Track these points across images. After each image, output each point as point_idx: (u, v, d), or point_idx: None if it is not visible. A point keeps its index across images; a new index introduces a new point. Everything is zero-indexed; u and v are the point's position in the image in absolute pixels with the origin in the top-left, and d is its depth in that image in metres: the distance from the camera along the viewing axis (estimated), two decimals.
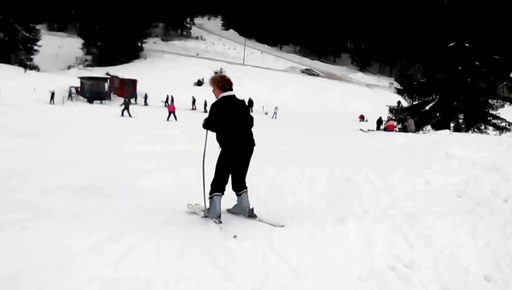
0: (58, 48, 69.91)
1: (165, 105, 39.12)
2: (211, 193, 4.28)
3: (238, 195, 4.47)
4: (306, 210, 5.20)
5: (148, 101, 40.77)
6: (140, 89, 43.09)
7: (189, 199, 5.08)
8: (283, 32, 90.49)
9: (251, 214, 4.47)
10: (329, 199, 5.80)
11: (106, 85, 41.74)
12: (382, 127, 30.42)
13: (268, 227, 4.34)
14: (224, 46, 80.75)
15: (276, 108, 37.20)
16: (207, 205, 4.39)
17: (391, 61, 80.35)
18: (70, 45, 70.63)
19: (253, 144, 4.41)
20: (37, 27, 61.39)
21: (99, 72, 51.10)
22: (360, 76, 73.71)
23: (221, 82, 4.28)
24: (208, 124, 4.22)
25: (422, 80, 22.82)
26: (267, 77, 55.95)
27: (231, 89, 4.30)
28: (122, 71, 52.39)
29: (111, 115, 25.08)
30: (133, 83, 42.94)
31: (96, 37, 67.07)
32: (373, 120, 32.69)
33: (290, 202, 5.62)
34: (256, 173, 6.94)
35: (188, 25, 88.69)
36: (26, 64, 56.26)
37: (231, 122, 4.18)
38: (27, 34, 57.59)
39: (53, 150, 8.87)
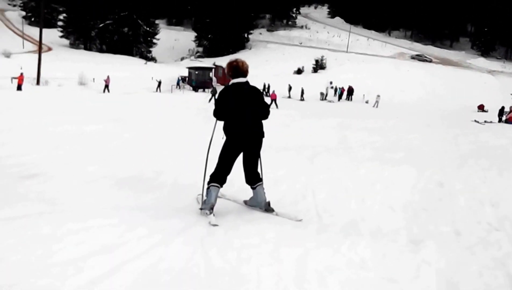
0: (174, 41, 74.53)
1: (266, 94, 38.98)
2: (208, 183, 3.94)
3: (252, 188, 4.11)
4: (368, 224, 3.91)
5: None
6: None
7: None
8: (392, 17, 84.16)
9: (267, 208, 4.10)
10: (408, 210, 4.39)
11: (211, 74, 43.14)
12: (503, 118, 26.30)
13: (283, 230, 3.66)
14: (328, 34, 78.02)
15: (378, 96, 34.25)
16: (204, 197, 4.04)
17: None
18: (185, 38, 74.72)
19: (260, 136, 3.98)
20: (157, 22, 66.39)
21: (207, 62, 53.07)
22: (481, 61, 64.99)
23: (230, 70, 3.93)
24: (214, 112, 3.91)
25: None
26: (371, 64, 52.23)
27: (243, 76, 3.90)
28: (227, 61, 53.59)
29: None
30: None
31: (207, 30, 70.01)
32: (495, 111, 28.28)
33: (351, 211, 4.32)
34: (321, 170, 5.78)
35: (293, 15, 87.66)
36: (146, 56, 61.17)
37: (235, 111, 3.83)
38: (148, 29, 62.43)
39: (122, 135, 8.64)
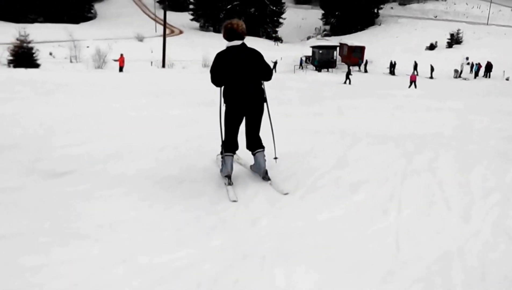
0: (301, 20, 73.84)
1: (391, 72, 36.71)
2: (221, 153, 3.90)
3: (252, 154, 3.97)
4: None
5: (368, 68, 39.04)
6: (369, 56, 41.52)
7: None
8: None
9: (264, 176, 3.92)
10: None
11: (335, 53, 41.93)
12: None
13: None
14: (467, 5, 68.51)
15: None
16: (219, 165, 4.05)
17: None
18: (313, 16, 73.10)
19: (260, 100, 3.77)
20: (283, 0, 66.05)
21: (334, 41, 51.65)
22: None
23: (225, 33, 3.72)
24: (211, 79, 3.74)
25: None
26: None
27: (238, 38, 3.66)
28: (354, 39, 51.40)
29: (335, 83, 24.39)
30: (361, 50, 41.54)
31: (335, 7, 67.50)
32: None
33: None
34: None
35: None
36: (272, 36, 61.70)
37: (231, 76, 3.64)
38: (274, 8, 62.82)
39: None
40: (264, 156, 3.92)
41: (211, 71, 3.68)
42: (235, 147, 3.87)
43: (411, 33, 55.68)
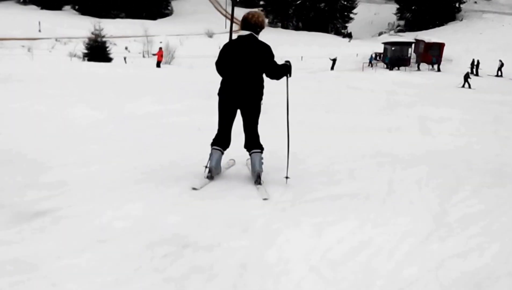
0: (374, 16, 70.15)
1: (472, 73, 32.56)
2: (211, 145, 3.63)
3: (249, 155, 3.65)
4: None
5: (448, 67, 35.02)
6: (448, 54, 37.50)
7: None
8: None
9: (256, 180, 3.53)
10: None
11: (410, 50, 38.37)
12: None
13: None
14: None
15: None
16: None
17: None
18: (386, 11, 69.31)
19: (252, 97, 3.48)
20: None
21: (409, 37, 47.81)
22: None
23: (241, 23, 3.63)
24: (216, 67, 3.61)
25: None
26: None
27: (247, 29, 3.46)
28: (432, 35, 46.99)
29: (412, 85, 18.46)
30: (439, 47, 37.39)
31: (411, 1, 63.01)
32: None
33: None
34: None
35: None
36: (341, 32, 58.97)
37: (227, 67, 3.48)
38: (345, 3, 59.85)
39: None
40: (261, 158, 3.58)
41: (216, 61, 3.55)
42: (224, 142, 3.59)
43: (497, 29, 49.97)
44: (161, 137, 5.10)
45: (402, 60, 36.59)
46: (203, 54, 31.41)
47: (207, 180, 3.51)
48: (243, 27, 3.49)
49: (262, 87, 3.51)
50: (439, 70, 34.47)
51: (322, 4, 59.23)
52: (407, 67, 35.65)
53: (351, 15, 61.97)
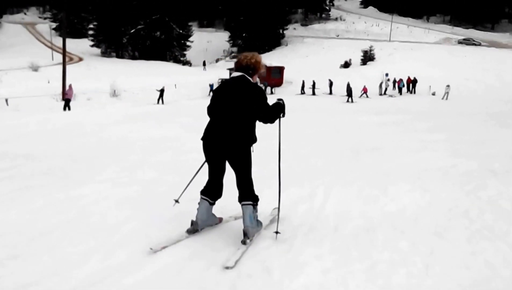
0: (207, 43, 70.80)
1: (313, 92, 34.08)
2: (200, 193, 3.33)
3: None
4: None
5: (290, 88, 36.10)
6: (286, 76, 38.94)
7: None
8: (428, 2, 76.98)
9: (243, 238, 3.08)
10: None
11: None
12: None
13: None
14: (366, 23, 71.70)
15: (448, 86, 28.61)
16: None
17: None
18: (218, 39, 71.03)
19: (234, 145, 3.05)
20: (189, 23, 62.42)
21: None
22: None
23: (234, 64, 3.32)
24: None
25: None
26: (422, 51, 45.96)
27: (238, 70, 3.14)
28: (266, 59, 48.32)
29: None
30: (280, 70, 38.83)
31: (241, 29, 65.98)
32: None
33: None
34: None
35: (327, 7, 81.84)
36: (180, 59, 57.27)
37: (212, 111, 3.18)
38: (181, 31, 58.48)
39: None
40: (252, 212, 3.15)
41: (208, 106, 3.31)
42: (214, 193, 3.26)
43: (319, 52, 55.37)
44: None
45: None
46: (30, 90, 25.05)
47: (185, 234, 3.23)
48: (235, 68, 3.20)
49: (251, 133, 3.11)
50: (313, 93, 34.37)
51: (158, 33, 56.50)
52: None
53: (188, 43, 60.87)
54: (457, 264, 2.92)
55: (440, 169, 5.68)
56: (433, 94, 30.60)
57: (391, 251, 3.10)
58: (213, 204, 3.28)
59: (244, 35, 66.31)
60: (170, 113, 17.27)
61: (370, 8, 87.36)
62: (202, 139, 3.18)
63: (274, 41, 66.61)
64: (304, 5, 79.52)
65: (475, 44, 56.25)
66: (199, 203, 3.26)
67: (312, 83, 34.11)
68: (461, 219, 3.76)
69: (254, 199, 3.18)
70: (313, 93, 33.80)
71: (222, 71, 41.92)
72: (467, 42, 57.39)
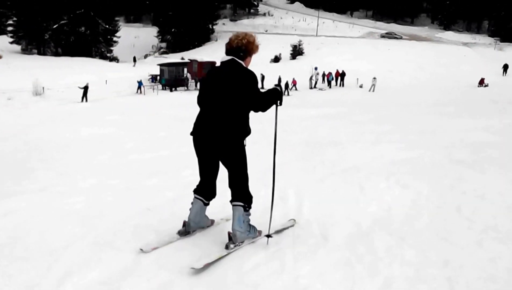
0: (134, 39, 67.74)
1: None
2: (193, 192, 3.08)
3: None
4: None
5: None
6: None
7: None
8: None
9: (227, 242, 2.82)
10: None
11: (185, 70, 37.20)
12: None
13: None
14: (293, 18, 73.25)
15: (374, 79, 29.97)
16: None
17: (479, 17, 68.34)
18: (146, 34, 68.40)
19: (221, 135, 2.70)
20: (116, 18, 59.19)
21: (174, 58, 47.04)
22: (450, 35, 62.35)
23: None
24: None
25: None
26: (348, 45, 48.03)
27: (227, 53, 2.80)
28: (196, 54, 48.12)
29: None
30: (212, 65, 37.73)
31: (169, 24, 64.04)
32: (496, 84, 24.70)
33: None
34: None
35: (255, 3, 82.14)
36: (106, 55, 53.97)
37: (200, 102, 2.87)
38: (107, 26, 55.01)
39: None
40: (241, 214, 2.83)
41: (197, 95, 3.03)
42: (207, 191, 2.97)
43: None
44: None
45: (180, 81, 35.20)
46: None
47: (176, 236, 2.97)
48: (225, 51, 2.83)
49: (245, 124, 2.77)
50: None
51: (82, 28, 52.52)
52: (185, 87, 34.15)
53: (115, 38, 57.52)
54: (480, 275, 2.45)
55: (406, 162, 5.38)
56: (361, 86, 31.82)
57: (399, 263, 2.63)
58: (207, 204, 3.03)
59: (173, 30, 64.52)
60: (99, 111, 16.06)
61: (297, 3, 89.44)
62: (191, 133, 2.86)
63: (204, 37, 65.62)
64: (233, 1, 79.22)
65: (397, 38, 59.98)
66: (192, 203, 3.02)
67: (261, 78, 33.70)
68: (458, 219, 3.37)
69: (247, 201, 2.85)
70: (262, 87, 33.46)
71: (151, 67, 39.97)
72: (390, 36, 60.99)
